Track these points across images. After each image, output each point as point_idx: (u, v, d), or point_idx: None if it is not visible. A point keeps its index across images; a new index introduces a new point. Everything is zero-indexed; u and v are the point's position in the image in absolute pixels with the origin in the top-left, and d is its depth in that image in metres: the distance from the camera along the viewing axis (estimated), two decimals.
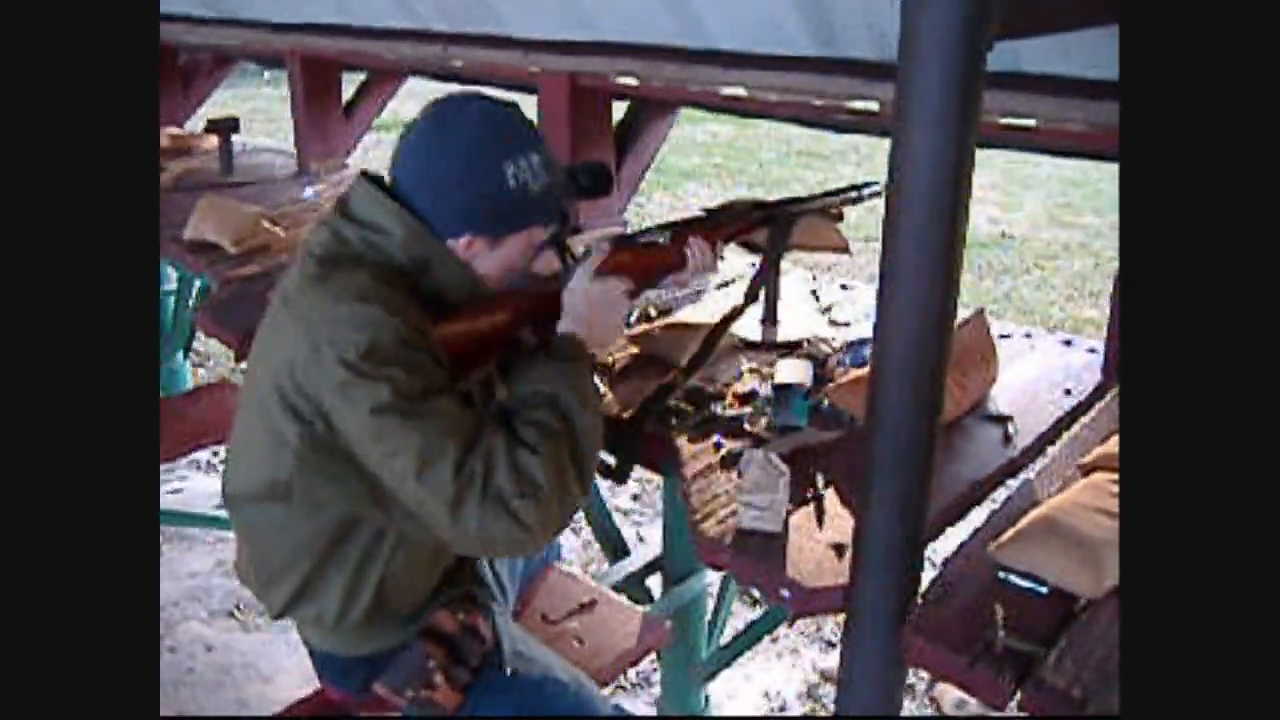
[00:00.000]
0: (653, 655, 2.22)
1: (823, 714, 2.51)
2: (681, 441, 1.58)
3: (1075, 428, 1.65)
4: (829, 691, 2.56)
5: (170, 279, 3.69)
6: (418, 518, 1.22)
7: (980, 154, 1.06)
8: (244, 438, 1.33)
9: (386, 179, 1.34)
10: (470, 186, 1.28)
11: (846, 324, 2.05)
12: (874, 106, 1.92)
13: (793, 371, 1.65)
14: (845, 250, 2.08)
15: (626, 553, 2.32)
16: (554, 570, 1.91)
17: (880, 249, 1.06)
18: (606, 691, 1.63)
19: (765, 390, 1.71)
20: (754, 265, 2.30)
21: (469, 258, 1.32)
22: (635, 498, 3.47)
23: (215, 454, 3.59)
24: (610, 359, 1.85)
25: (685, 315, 2.04)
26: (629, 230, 1.99)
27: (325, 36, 3.13)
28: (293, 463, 1.24)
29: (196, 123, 3.91)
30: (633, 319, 2.04)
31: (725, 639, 2.25)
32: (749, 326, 1.98)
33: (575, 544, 3.16)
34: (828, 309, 2.15)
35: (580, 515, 2.75)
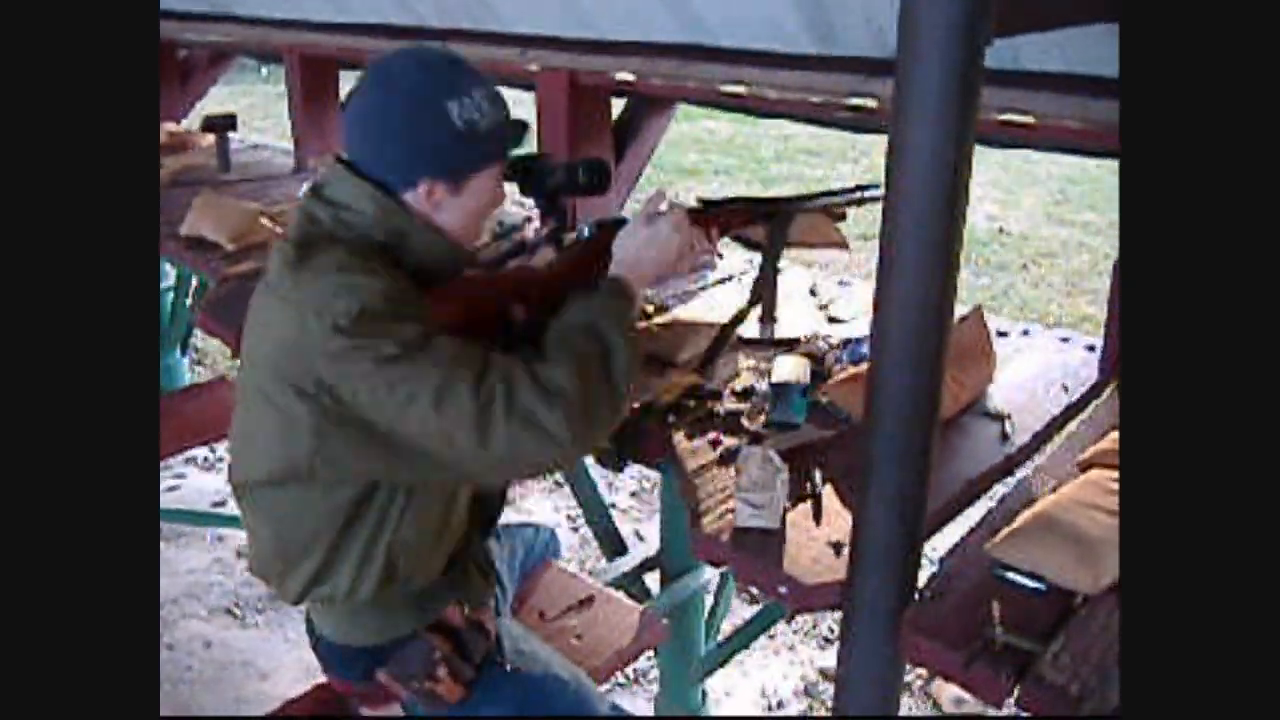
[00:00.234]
0: (650, 652, 2.22)
1: (820, 711, 2.51)
2: (679, 438, 1.58)
3: (1073, 424, 1.65)
4: (827, 689, 2.56)
5: (168, 276, 3.69)
6: (442, 467, 1.22)
7: (978, 150, 1.06)
8: (249, 426, 1.33)
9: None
10: (417, 130, 1.28)
11: (845, 321, 2.05)
12: (872, 103, 1.92)
13: (791, 369, 1.65)
14: (844, 247, 2.08)
15: (624, 550, 2.32)
16: (552, 567, 1.91)
17: (878, 246, 1.06)
18: (604, 688, 1.63)
19: (763, 387, 1.71)
20: (751, 262, 2.30)
21: (432, 209, 1.31)
22: (633, 495, 3.47)
23: (213, 451, 3.59)
24: None
25: (683, 313, 2.04)
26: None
27: (323, 34, 3.12)
28: (309, 440, 1.23)
29: (194, 119, 3.91)
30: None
31: (723, 636, 2.25)
32: (747, 324, 1.98)
33: (573, 541, 3.16)
34: (826, 306, 2.15)
35: (579, 512, 2.75)
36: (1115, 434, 1.49)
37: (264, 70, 9.88)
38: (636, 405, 1.65)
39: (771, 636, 2.72)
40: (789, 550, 1.29)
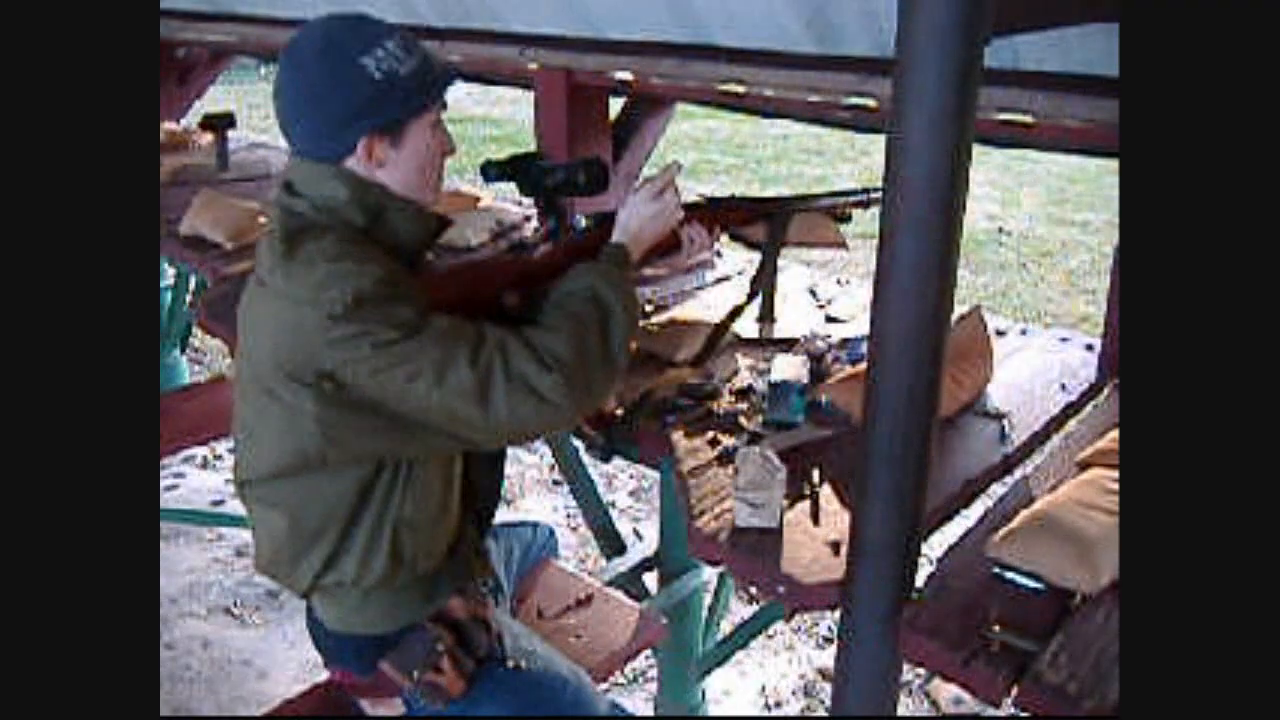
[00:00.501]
0: (649, 651, 2.22)
1: (819, 711, 2.51)
2: (678, 437, 1.58)
3: (1071, 424, 1.66)
4: (825, 688, 2.57)
5: (167, 275, 3.69)
6: (449, 437, 1.26)
7: (977, 150, 1.06)
8: (252, 423, 1.34)
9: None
10: (338, 92, 1.28)
11: (843, 320, 2.06)
12: (872, 103, 1.92)
13: (789, 368, 1.65)
14: (842, 246, 2.08)
15: (623, 549, 2.32)
16: (550, 566, 1.91)
17: (877, 245, 1.06)
18: (602, 687, 1.63)
19: (762, 386, 1.71)
20: (750, 262, 2.30)
21: (377, 168, 1.32)
22: (632, 494, 3.47)
23: (212, 450, 3.59)
24: None
25: (682, 312, 2.04)
26: None
27: None
28: (317, 428, 1.25)
29: (192, 118, 3.91)
30: None
31: (721, 635, 2.25)
32: (746, 323, 1.98)
33: (572, 540, 3.16)
34: (825, 305, 2.15)
35: (578, 511, 2.75)
36: (1114, 433, 1.49)
37: (263, 69, 9.88)
38: (629, 399, 1.66)
39: (770, 636, 2.72)
40: (787, 550, 1.29)
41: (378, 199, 1.32)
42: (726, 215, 1.70)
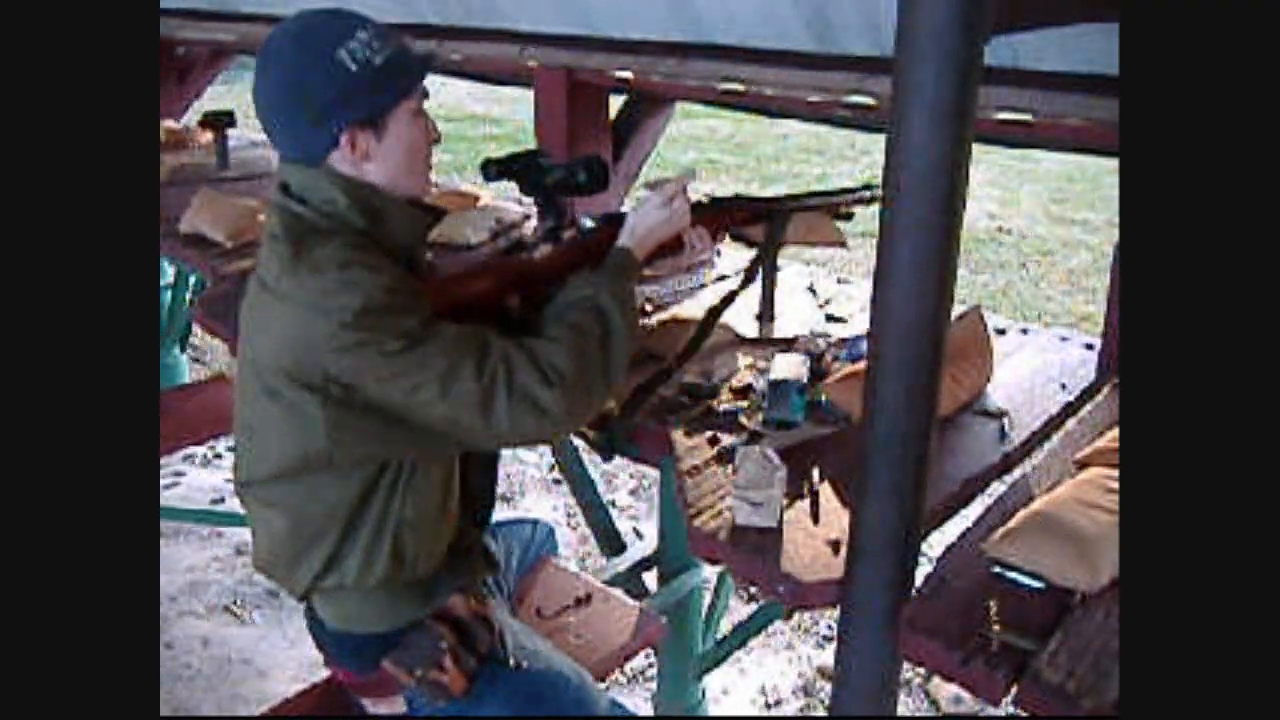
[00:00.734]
0: (649, 650, 2.22)
1: (818, 710, 2.51)
2: (677, 436, 1.58)
3: (1071, 423, 1.65)
4: (825, 687, 2.57)
5: (167, 274, 3.69)
6: (450, 442, 1.29)
7: (977, 149, 1.06)
8: (254, 424, 1.34)
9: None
10: (315, 86, 1.27)
11: (843, 319, 2.05)
12: (871, 101, 1.92)
13: (789, 367, 1.65)
14: (842, 245, 2.08)
15: (623, 548, 2.33)
16: (550, 565, 1.91)
17: (877, 244, 1.06)
18: (602, 686, 1.63)
19: (761, 385, 1.71)
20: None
21: (362, 161, 1.32)
22: (632, 493, 3.47)
23: (212, 449, 3.59)
24: None
25: (681, 311, 2.04)
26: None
27: None
28: (323, 430, 1.25)
29: (192, 117, 3.91)
30: None
31: (721, 634, 2.25)
32: (746, 322, 1.98)
33: (572, 539, 3.16)
34: (824, 304, 2.15)
35: (577, 510, 2.75)
36: (1113, 432, 1.49)
37: None
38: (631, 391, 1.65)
39: (770, 635, 2.73)
40: (787, 548, 1.29)
41: (374, 200, 1.32)
42: (729, 215, 1.71)
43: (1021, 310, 5.28)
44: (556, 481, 3.47)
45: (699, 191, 1.82)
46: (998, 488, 1.49)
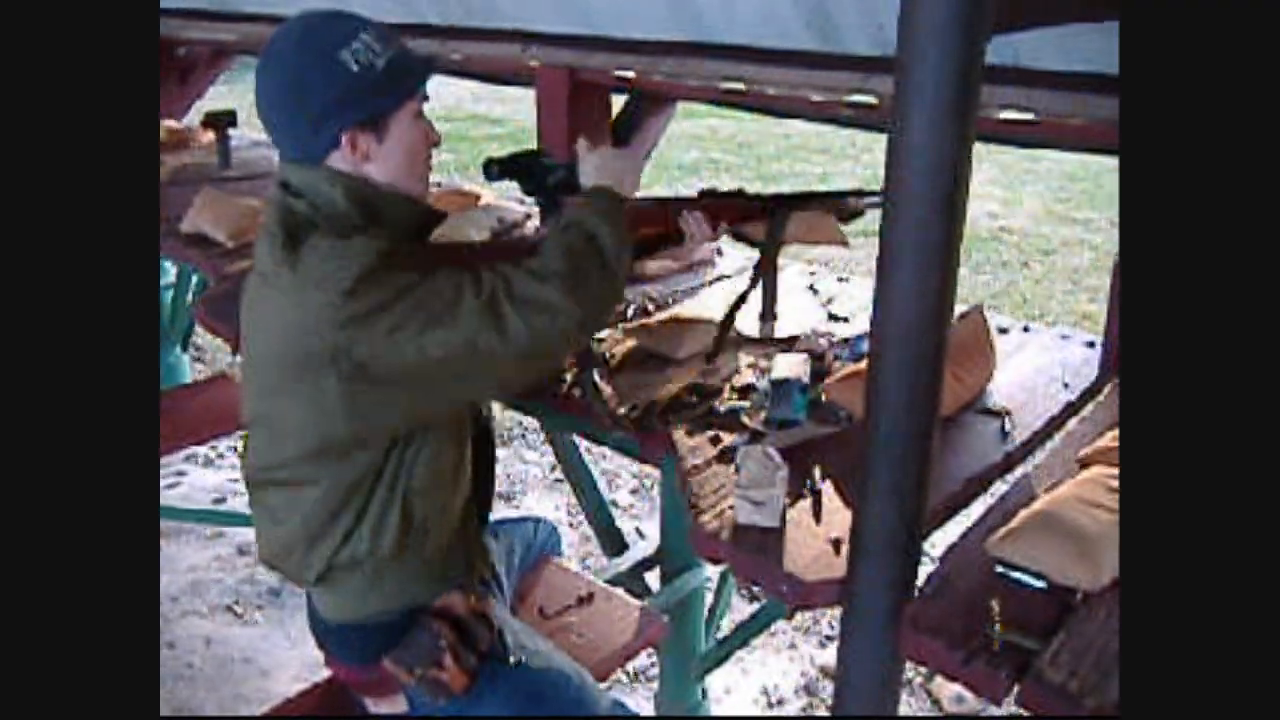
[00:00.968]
0: (650, 650, 2.22)
1: (820, 709, 2.51)
2: (679, 435, 1.58)
3: (1073, 422, 1.65)
4: (827, 686, 2.57)
5: (168, 273, 3.69)
6: (477, 377, 1.29)
7: (979, 148, 1.05)
8: (268, 414, 1.35)
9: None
10: (318, 88, 1.29)
11: (845, 318, 2.05)
12: (873, 100, 1.92)
13: (790, 366, 1.65)
14: (844, 244, 2.08)
15: (625, 547, 2.32)
16: (551, 564, 1.91)
17: (878, 243, 1.06)
18: (604, 686, 1.63)
19: (763, 384, 1.71)
20: (751, 260, 2.30)
21: (363, 162, 1.33)
22: (634, 492, 3.47)
23: (213, 448, 3.59)
24: (609, 354, 1.85)
25: (682, 310, 2.04)
26: None
27: None
28: (341, 408, 1.26)
29: (193, 116, 3.91)
30: (630, 313, 2.04)
31: (723, 633, 2.25)
32: (747, 321, 1.98)
33: (573, 538, 3.16)
34: (826, 303, 2.15)
35: (579, 509, 2.75)
36: (1115, 431, 1.49)
37: None
38: (637, 405, 1.66)
39: (772, 634, 2.72)
40: (789, 548, 1.29)
41: (374, 199, 1.33)
42: (728, 209, 1.71)
43: (1023, 309, 5.28)
44: (558, 481, 3.47)
45: (695, 190, 1.82)
46: (1000, 487, 1.49)
